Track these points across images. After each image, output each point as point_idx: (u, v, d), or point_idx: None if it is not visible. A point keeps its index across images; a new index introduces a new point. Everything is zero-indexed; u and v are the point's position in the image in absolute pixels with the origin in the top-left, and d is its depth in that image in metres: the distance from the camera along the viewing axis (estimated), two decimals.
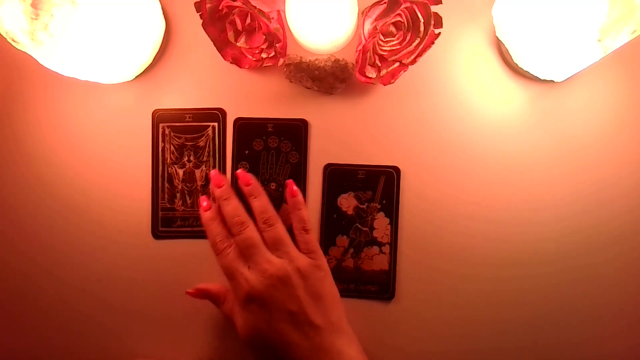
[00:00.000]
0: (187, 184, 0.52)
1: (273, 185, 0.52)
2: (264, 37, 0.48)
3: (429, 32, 0.45)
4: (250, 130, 0.52)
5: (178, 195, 0.52)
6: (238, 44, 0.48)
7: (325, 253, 0.51)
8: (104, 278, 0.52)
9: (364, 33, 0.46)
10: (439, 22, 0.45)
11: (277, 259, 0.46)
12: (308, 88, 0.51)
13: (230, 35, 0.48)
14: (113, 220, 0.52)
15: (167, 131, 0.52)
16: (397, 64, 0.48)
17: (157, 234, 0.52)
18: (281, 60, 0.49)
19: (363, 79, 0.48)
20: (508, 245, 0.51)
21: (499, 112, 0.51)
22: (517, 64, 0.49)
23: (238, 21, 0.47)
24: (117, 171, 0.52)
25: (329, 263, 0.51)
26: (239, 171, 0.49)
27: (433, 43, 0.46)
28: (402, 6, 0.45)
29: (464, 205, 0.51)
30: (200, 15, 0.47)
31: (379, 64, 0.48)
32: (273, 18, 0.46)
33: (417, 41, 0.46)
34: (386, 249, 0.51)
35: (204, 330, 0.52)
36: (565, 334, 0.50)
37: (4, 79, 0.53)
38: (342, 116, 0.52)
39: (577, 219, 0.50)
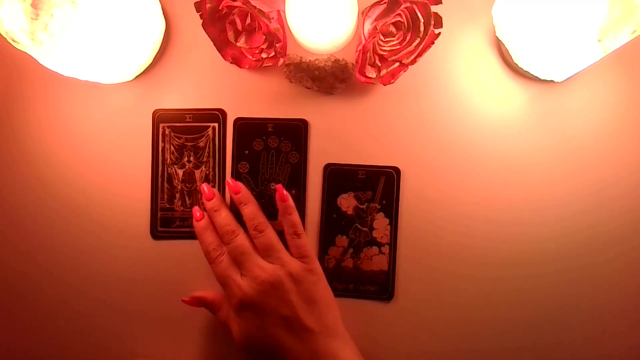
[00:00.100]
0: (187, 185, 0.52)
1: (273, 186, 0.51)
2: (264, 37, 0.48)
3: (429, 32, 0.45)
4: (250, 130, 0.52)
5: (177, 195, 0.52)
6: (238, 44, 0.48)
7: (325, 253, 0.51)
8: (104, 278, 0.52)
9: (364, 33, 0.46)
10: (439, 22, 0.45)
11: (269, 265, 0.47)
12: (308, 88, 0.51)
13: (230, 35, 0.48)
14: (112, 220, 0.52)
15: (167, 131, 0.52)
16: (397, 64, 0.48)
17: (156, 234, 0.52)
18: (281, 60, 0.49)
19: (363, 79, 0.48)
20: (508, 245, 0.51)
21: (499, 112, 0.51)
22: (517, 64, 0.49)
23: (238, 21, 0.47)
24: (116, 171, 0.52)
25: (329, 263, 0.51)
26: (228, 180, 0.50)
27: (433, 43, 0.46)
28: (402, 6, 0.45)
29: (464, 205, 0.51)
30: (200, 15, 0.47)
31: (379, 64, 0.48)
32: (273, 18, 0.46)
33: (417, 41, 0.46)
34: (385, 249, 0.51)
35: (203, 330, 0.52)
36: (565, 334, 0.50)
37: (4, 79, 0.53)
38: (342, 116, 0.52)
39: (577, 219, 0.50)
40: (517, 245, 0.51)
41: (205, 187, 0.50)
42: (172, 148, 0.52)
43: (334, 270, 0.51)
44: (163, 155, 0.52)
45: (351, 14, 0.47)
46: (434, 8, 0.44)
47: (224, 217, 0.49)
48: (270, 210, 0.51)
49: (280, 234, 0.49)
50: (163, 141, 0.52)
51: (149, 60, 0.51)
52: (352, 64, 0.50)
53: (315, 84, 0.51)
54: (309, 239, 0.51)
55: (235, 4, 0.46)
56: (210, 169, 0.52)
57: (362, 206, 0.51)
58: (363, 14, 0.46)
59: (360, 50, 0.46)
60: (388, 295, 0.51)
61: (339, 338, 0.46)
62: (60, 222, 0.52)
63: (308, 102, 0.52)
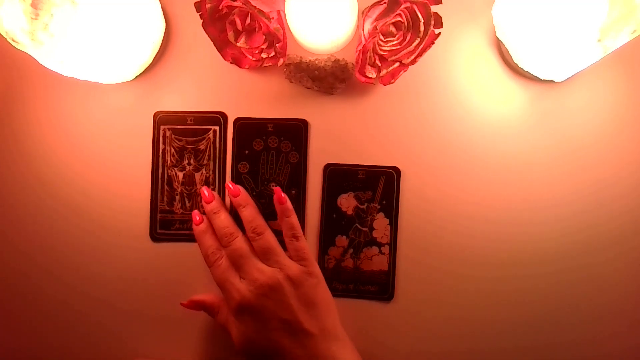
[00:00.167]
0: (187, 187, 0.52)
1: (273, 186, 0.51)
2: (264, 37, 0.48)
3: (429, 32, 0.45)
4: (250, 130, 0.52)
5: (177, 198, 0.52)
6: (238, 44, 0.48)
7: (325, 253, 0.51)
8: (103, 278, 0.52)
9: (364, 33, 0.46)
10: (439, 22, 0.45)
11: (267, 268, 0.47)
12: (308, 88, 0.51)
13: (230, 35, 0.48)
14: (112, 221, 0.52)
15: (168, 133, 0.52)
16: (397, 64, 0.48)
17: (155, 236, 0.52)
18: (281, 60, 0.49)
19: (363, 79, 0.48)
20: (508, 245, 0.51)
21: (499, 112, 0.51)
22: (517, 64, 0.49)
23: (238, 21, 0.47)
24: (116, 172, 0.52)
25: (329, 263, 0.51)
26: (228, 184, 0.50)
27: (433, 43, 0.46)
28: (402, 6, 0.45)
29: (464, 205, 0.51)
30: (200, 15, 0.47)
31: (379, 64, 0.48)
32: (273, 18, 0.46)
33: (417, 41, 0.46)
34: (385, 249, 0.51)
35: (202, 330, 0.52)
36: (565, 334, 0.50)
37: (4, 79, 0.53)
38: (342, 116, 0.52)
39: (577, 219, 0.50)
40: (517, 245, 0.51)
41: (205, 190, 0.50)
42: (173, 150, 0.52)
43: (334, 270, 0.51)
44: (163, 158, 0.52)
45: (351, 14, 0.47)
46: (434, 8, 0.44)
47: (223, 219, 0.49)
48: (270, 210, 0.51)
49: (279, 234, 0.49)
50: (164, 143, 0.52)
51: (149, 60, 0.51)
52: (352, 64, 0.50)
53: (315, 84, 0.51)
54: (309, 239, 0.51)
55: (235, 4, 0.46)
56: (211, 172, 0.52)
57: (362, 206, 0.51)
58: (363, 14, 0.46)
59: (360, 50, 0.46)
60: (388, 295, 0.51)
61: (339, 341, 0.46)
62: (60, 222, 0.52)
63: (308, 102, 0.52)
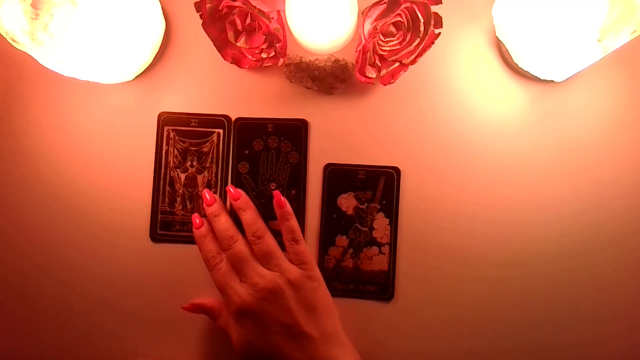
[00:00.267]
0: (189, 189, 0.52)
1: (273, 186, 0.51)
2: (264, 37, 0.48)
3: (429, 32, 0.45)
4: (250, 130, 0.52)
5: (179, 199, 0.52)
6: (238, 44, 0.48)
7: (325, 253, 0.51)
8: (103, 278, 0.52)
9: (364, 33, 0.46)
10: (439, 22, 0.45)
11: (267, 272, 0.47)
12: (308, 88, 0.51)
13: (230, 35, 0.48)
14: (112, 221, 0.52)
15: (172, 134, 0.52)
16: (397, 64, 0.48)
17: (155, 236, 0.52)
18: (281, 60, 0.49)
19: (363, 79, 0.48)
20: (508, 245, 0.51)
21: (499, 112, 0.51)
22: (517, 64, 0.49)
23: (238, 21, 0.47)
24: (117, 172, 0.52)
25: (329, 263, 0.51)
26: (230, 188, 0.50)
27: (433, 43, 0.46)
28: (402, 6, 0.45)
29: (464, 205, 0.51)
30: (200, 15, 0.47)
31: (379, 64, 0.48)
32: (273, 18, 0.46)
33: (417, 41, 0.46)
34: (385, 249, 0.51)
35: (202, 331, 0.52)
36: (565, 334, 0.50)
37: (4, 79, 0.53)
38: (342, 116, 0.52)
39: (577, 219, 0.50)
40: (517, 245, 0.51)
41: (206, 192, 0.50)
42: (176, 152, 0.52)
43: (334, 270, 0.51)
44: (166, 159, 0.52)
45: (351, 14, 0.47)
46: (434, 8, 0.44)
47: (224, 222, 0.49)
48: (269, 210, 0.51)
49: (279, 235, 0.49)
50: (167, 144, 0.52)
51: (149, 60, 0.51)
52: (352, 64, 0.50)
53: (315, 84, 0.51)
54: (309, 239, 0.51)
55: (235, 4, 0.46)
56: (213, 175, 0.52)
57: (362, 206, 0.51)
58: (363, 14, 0.46)
59: (360, 50, 0.46)
60: (388, 295, 0.51)
61: (339, 344, 0.46)
62: (60, 222, 0.52)
63: (308, 102, 0.52)
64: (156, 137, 0.52)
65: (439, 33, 0.45)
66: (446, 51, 0.51)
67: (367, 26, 0.46)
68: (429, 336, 0.51)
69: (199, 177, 0.52)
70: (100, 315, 0.52)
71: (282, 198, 0.49)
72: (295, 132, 0.51)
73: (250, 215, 0.49)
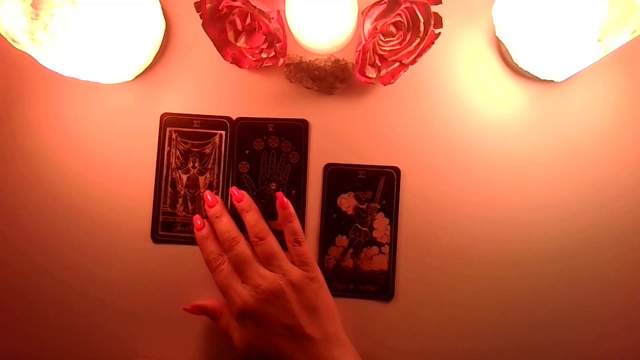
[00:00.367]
0: (190, 190, 0.52)
1: (273, 186, 0.51)
2: (264, 37, 0.48)
3: (429, 32, 0.45)
4: (250, 130, 0.52)
5: (180, 200, 0.52)
6: (238, 44, 0.48)
7: (325, 253, 0.51)
8: (104, 279, 0.52)
9: (364, 33, 0.46)
10: (439, 22, 0.45)
11: (269, 274, 0.46)
12: (308, 88, 0.51)
13: (230, 35, 0.48)
14: (113, 222, 0.52)
15: (174, 135, 0.52)
16: (397, 64, 0.48)
17: (156, 237, 0.52)
18: (281, 60, 0.49)
19: (363, 79, 0.48)
20: (508, 245, 0.51)
21: (499, 112, 0.51)
22: (517, 64, 0.49)
23: (238, 21, 0.47)
24: (117, 172, 0.52)
25: (329, 263, 0.51)
26: (233, 190, 0.50)
27: (433, 43, 0.46)
28: (402, 6, 0.45)
29: (464, 205, 0.51)
30: (200, 15, 0.47)
31: (379, 64, 0.48)
32: (273, 18, 0.46)
33: (417, 41, 0.46)
34: (386, 249, 0.51)
35: (202, 331, 0.52)
36: (565, 334, 0.50)
37: (4, 79, 0.53)
38: (342, 116, 0.52)
39: (577, 219, 0.50)
40: (517, 245, 0.51)
41: (208, 194, 0.50)
42: (178, 153, 0.52)
43: (334, 270, 0.51)
44: (168, 159, 0.52)
45: (351, 14, 0.47)
46: (434, 8, 0.44)
47: (226, 223, 0.49)
48: (269, 210, 0.51)
49: (279, 235, 0.49)
50: (169, 145, 0.52)
51: (149, 60, 0.51)
52: (352, 64, 0.50)
53: (315, 84, 0.51)
54: (309, 239, 0.51)
55: (235, 4, 0.46)
56: (215, 176, 0.52)
57: (362, 206, 0.51)
58: (363, 14, 0.46)
59: (360, 50, 0.46)
60: (388, 295, 0.51)
61: (341, 346, 0.47)
62: (60, 222, 0.52)
63: (308, 102, 0.52)
64: (158, 138, 0.52)
65: (439, 33, 0.45)
66: (446, 51, 0.51)
67: (367, 26, 0.46)
68: (429, 336, 0.51)
69: (201, 179, 0.52)
70: (101, 316, 0.52)
71: (285, 200, 0.49)
72: (295, 132, 0.51)
73: (253, 216, 0.49)
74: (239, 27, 0.48)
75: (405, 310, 0.51)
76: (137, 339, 0.52)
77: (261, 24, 0.46)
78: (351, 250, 0.51)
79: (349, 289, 0.51)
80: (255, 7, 0.45)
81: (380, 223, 0.51)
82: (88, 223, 0.52)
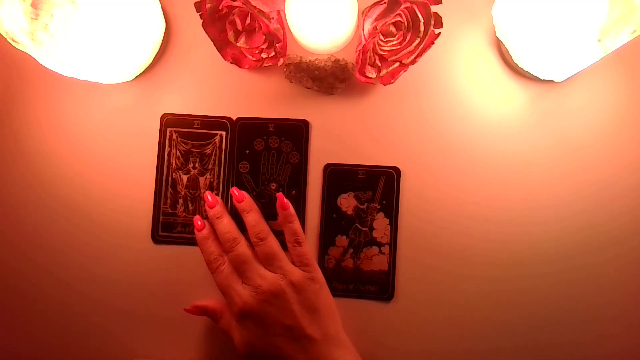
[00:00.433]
0: (191, 191, 0.52)
1: (273, 186, 0.51)
2: (264, 37, 0.48)
3: (429, 32, 0.45)
4: (251, 130, 0.52)
5: (180, 201, 0.52)
6: (238, 44, 0.48)
7: (325, 253, 0.51)
8: (104, 279, 0.52)
9: (364, 33, 0.46)
10: (439, 22, 0.45)
11: (270, 274, 0.46)
12: (308, 88, 0.51)
13: (230, 35, 0.48)
14: (114, 222, 0.52)
15: (174, 136, 0.52)
16: (397, 64, 0.48)
17: (157, 238, 0.52)
18: (281, 60, 0.49)
19: (363, 79, 0.48)
20: (508, 245, 0.51)
21: (499, 112, 0.51)
22: (517, 64, 0.49)
23: (238, 21, 0.47)
24: (117, 172, 0.52)
25: (329, 263, 0.51)
26: (234, 191, 0.50)
27: (433, 43, 0.46)
28: (402, 6, 0.45)
29: (464, 205, 0.51)
30: (200, 15, 0.47)
31: (379, 64, 0.48)
32: (273, 18, 0.46)
33: (417, 41, 0.46)
34: (385, 249, 0.51)
35: (202, 331, 0.52)
36: (565, 334, 0.50)
37: (4, 79, 0.53)
38: (342, 116, 0.52)
39: (577, 219, 0.50)
40: (517, 245, 0.51)
41: (208, 194, 0.50)
42: (178, 153, 0.52)
43: (334, 270, 0.51)
44: (169, 160, 0.52)
45: (351, 14, 0.47)
46: (434, 8, 0.45)
47: (226, 224, 0.49)
48: (269, 210, 0.51)
49: (279, 235, 0.49)
50: (169, 146, 0.52)
51: (149, 60, 0.51)
52: (352, 64, 0.50)
53: (315, 84, 0.51)
54: (309, 240, 0.51)
55: (235, 4, 0.46)
56: (215, 177, 0.52)
57: (362, 206, 0.51)
58: (363, 14, 0.46)
59: (360, 50, 0.46)
60: (388, 295, 0.51)
61: (341, 346, 0.47)
62: (60, 222, 0.52)
63: (308, 102, 0.52)
64: (159, 138, 0.52)
65: (439, 33, 0.45)
66: (446, 51, 0.51)
67: (367, 26, 0.46)
68: (429, 336, 0.51)
69: (201, 179, 0.52)
70: (101, 316, 0.52)
71: (285, 200, 0.49)
72: (296, 132, 0.51)
73: (253, 217, 0.49)
74: (239, 27, 0.48)
75: (405, 310, 0.51)
76: (137, 340, 0.52)
77: (261, 24, 0.46)
78: (351, 250, 0.51)
79: (349, 289, 0.51)
80: (255, 7, 0.45)
81: (380, 223, 0.51)
82: (88, 223, 0.52)
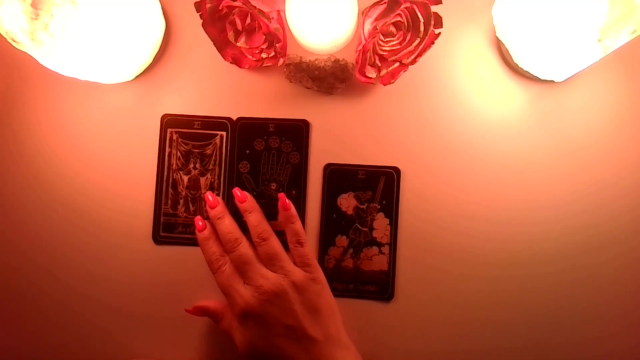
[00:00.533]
0: (191, 191, 0.52)
1: (273, 186, 0.52)
2: (264, 37, 0.48)
3: (429, 32, 0.45)
4: (251, 130, 0.52)
5: (181, 201, 0.52)
6: (238, 44, 0.48)
7: (325, 253, 0.51)
8: (104, 279, 0.52)
9: (364, 33, 0.46)
10: (439, 22, 0.45)
11: (272, 274, 0.46)
12: (308, 88, 0.51)
13: (230, 35, 0.48)
14: (114, 223, 0.52)
15: (174, 137, 0.52)
16: (397, 64, 0.48)
17: (157, 238, 0.52)
18: (281, 60, 0.49)
19: (363, 79, 0.48)
20: (508, 245, 0.51)
21: (499, 112, 0.51)
22: (517, 64, 0.49)
23: (238, 21, 0.47)
24: (118, 172, 0.52)
25: (329, 263, 0.51)
26: (236, 191, 0.49)
27: (433, 43, 0.46)
28: (402, 6, 0.45)
29: (464, 205, 0.51)
30: (200, 15, 0.47)
31: (379, 64, 0.48)
32: (273, 18, 0.46)
33: (417, 41, 0.46)
34: (385, 249, 0.51)
35: (203, 332, 0.52)
36: (565, 334, 0.50)
37: (4, 79, 0.53)
38: (342, 116, 0.52)
39: (577, 219, 0.50)
40: (517, 245, 0.51)
41: (209, 195, 0.50)
42: (179, 154, 0.52)
43: (334, 270, 0.51)
44: (169, 161, 0.52)
45: (351, 14, 0.47)
46: (434, 8, 0.45)
47: (227, 224, 0.49)
48: (270, 210, 0.51)
49: (280, 234, 0.49)
50: (170, 146, 0.52)
51: (149, 60, 0.51)
52: (352, 64, 0.50)
53: (315, 84, 0.51)
54: (309, 239, 0.51)
55: (235, 4, 0.46)
56: (216, 177, 0.52)
57: (362, 206, 0.51)
58: (363, 14, 0.46)
59: (360, 50, 0.46)
60: (388, 295, 0.51)
61: (343, 347, 0.47)
62: (60, 222, 0.52)
63: (308, 102, 0.52)
64: (159, 139, 0.52)
65: (439, 33, 0.45)
66: (446, 51, 0.51)
67: (367, 26, 0.46)
68: (429, 336, 0.51)
69: (202, 180, 0.52)
70: (101, 316, 0.52)
71: (287, 201, 0.49)
72: (296, 132, 0.51)
73: (255, 217, 0.49)
74: (239, 27, 0.48)
75: (405, 310, 0.51)
76: (137, 340, 0.52)
77: (261, 24, 0.46)
78: (351, 251, 0.51)
79: (349, 289, 0.51)
80: (255, 7, 0.45)
81: (380, 223, 0.51)
82: (88, 223, 0.52)
